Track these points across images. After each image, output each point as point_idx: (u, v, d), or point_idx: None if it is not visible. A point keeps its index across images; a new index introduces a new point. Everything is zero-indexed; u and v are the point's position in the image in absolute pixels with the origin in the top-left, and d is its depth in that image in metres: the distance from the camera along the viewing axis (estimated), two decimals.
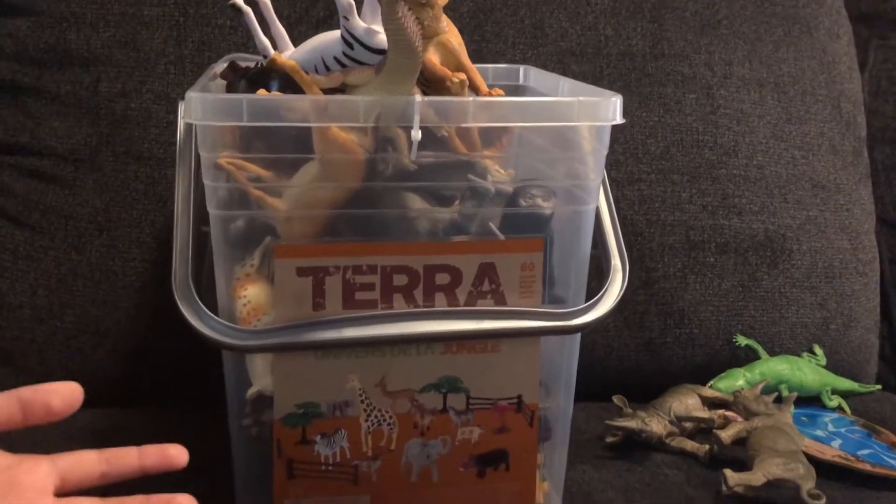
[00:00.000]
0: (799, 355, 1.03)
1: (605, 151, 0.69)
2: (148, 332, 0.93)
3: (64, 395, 0.54)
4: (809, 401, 1.01)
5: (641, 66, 1.04)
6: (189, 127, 0.73)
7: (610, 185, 0.76)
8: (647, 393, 0.93)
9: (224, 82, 0.78)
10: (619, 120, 0.67)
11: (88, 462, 0.55)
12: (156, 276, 0.92)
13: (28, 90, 0.94)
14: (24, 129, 0.94)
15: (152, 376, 0.94)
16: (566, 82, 0.78)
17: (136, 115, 0.94)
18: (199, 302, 0.65)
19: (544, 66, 0.93)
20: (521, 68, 0.88)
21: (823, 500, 0.76)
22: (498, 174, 0.70)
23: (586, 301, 0.71)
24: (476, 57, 0.74)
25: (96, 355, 0.92)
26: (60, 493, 0.54)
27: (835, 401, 1.02)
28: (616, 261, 0.73)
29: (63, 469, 0.54)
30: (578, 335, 0.74)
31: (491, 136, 0.71)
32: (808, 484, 0.77)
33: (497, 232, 0.69)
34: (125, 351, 0.93)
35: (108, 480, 0.55)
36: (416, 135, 0.62)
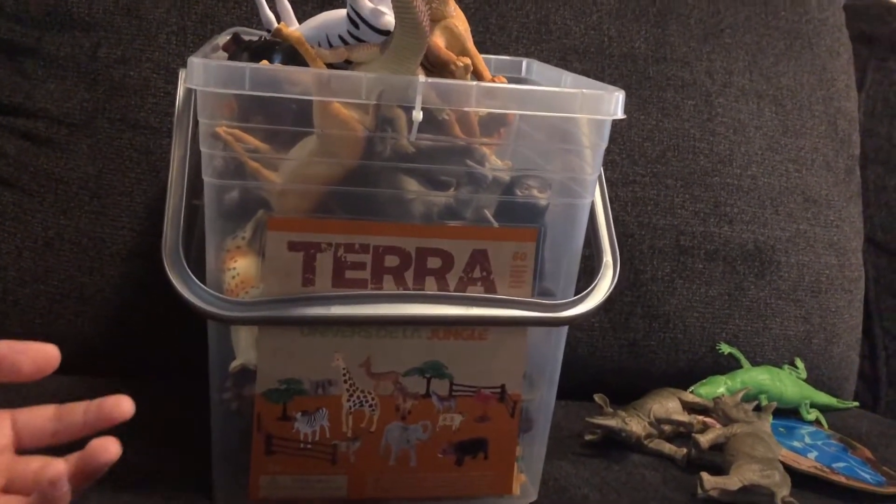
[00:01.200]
0: (780, 367, 1.04)
1: (604, 146, 0.69)
2: (132, 302, 0.92)
3: (35, 358, 0.51)
4: (788, 413, 1.01)
5: (643, 69, 1.04)
6: (188, 94, 0.72)
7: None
8: (628, 394, 0.93)
9: (226, 54, 0.77)
10: (620, 115, 0.66)
11: (44, 417, 0.53)
12: (144, 246, 0.91)
13: (26, 51, 0.93)
14: (20, 90, 0.93)
15: (134, 345, 0.93)
16: (569, 76, 0.77)
17: (134, 83, 0.93)
18: (188, 270, 0.65)
19: (546, 62, 0.93)
20: (524, 61, 0.88)
21: None
22: (495, 163, 0.70)
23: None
24: (479, 49, 0.74)
25: (79, 321, 0.91)
26: (19, 449, 0.53)
27: (813, 414, 1.02)
28: (608, 257, 0.73)
29: (20, 424, 0.53)
30: (565, 329, 0.74)
31: (490, 126, 0.70)
32: (783, 491, 0.77)
33: (491, 219, 0.68)
34: (108, 318, 0.92)
35: (61, 438, 0.53)
36: (417, 115, 0.62)
